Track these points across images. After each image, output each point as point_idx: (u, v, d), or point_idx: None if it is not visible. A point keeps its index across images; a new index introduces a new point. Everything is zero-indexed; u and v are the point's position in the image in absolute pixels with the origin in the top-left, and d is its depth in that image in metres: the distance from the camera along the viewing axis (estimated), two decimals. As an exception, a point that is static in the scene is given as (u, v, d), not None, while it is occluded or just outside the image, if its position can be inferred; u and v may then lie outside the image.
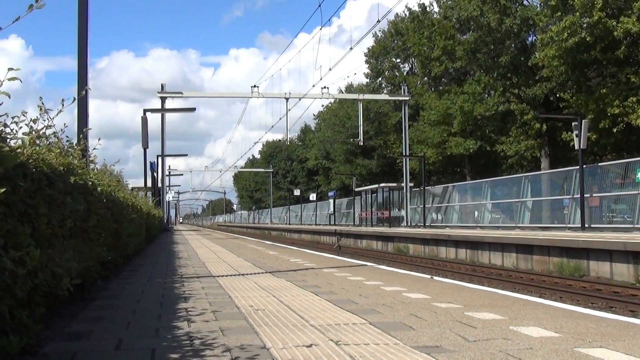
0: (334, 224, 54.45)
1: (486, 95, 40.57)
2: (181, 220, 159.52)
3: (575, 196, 24.33)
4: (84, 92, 8.89)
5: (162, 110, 37.10)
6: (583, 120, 23.91)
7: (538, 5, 36.30)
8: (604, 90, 30.43)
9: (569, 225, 24.59)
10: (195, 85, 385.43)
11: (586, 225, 22.70)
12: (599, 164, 26.23)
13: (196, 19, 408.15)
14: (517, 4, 39.48)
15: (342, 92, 60.11)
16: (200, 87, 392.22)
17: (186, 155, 53.75)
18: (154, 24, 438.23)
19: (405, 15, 51.06)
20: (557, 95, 34.96)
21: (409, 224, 40.47)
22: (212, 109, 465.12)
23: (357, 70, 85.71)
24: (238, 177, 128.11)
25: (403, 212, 41.92)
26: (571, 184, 25.17)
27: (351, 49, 30.61)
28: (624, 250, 14.88)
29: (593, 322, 4.72)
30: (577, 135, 23.60)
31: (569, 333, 4.19)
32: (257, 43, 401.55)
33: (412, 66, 55.17)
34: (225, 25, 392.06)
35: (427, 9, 47.05)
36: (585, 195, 22.97)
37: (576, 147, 23.78)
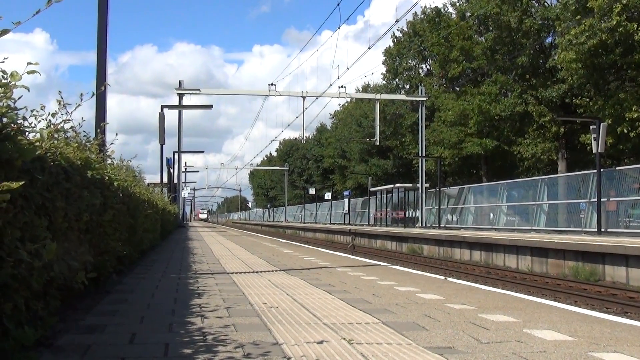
0: (349, 224, 54.42)
1: (503, 97, 40.30)
2: (205, 216, 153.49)
3: (592, 200, 24.13)
4: (102, 88, 8.93)
5: (180, 106, 37.34)
6: (601, 124, 23.70)
7: (558, 8, 35.94)
8: (623, 95, 30.12)
9: (585, 229, 24.40)
10: (219, 81, 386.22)
11: (603, 230, 22.50)
12: (617, 168, 25.97)
13: (222, 15, 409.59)
14: (538, 4, 39.15)
15: (360, 92, 60.00)
16: (224, 83, 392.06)
17: (202, 152, 54.19)
18: (179, 18, 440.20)
19: (423, 15, 50.94)
20: (575, 98, 34.59)
21: (423, 224, 40.36)
22: (233, 106, 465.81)
23: (376, 69, 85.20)
24: (254, 175, 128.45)
25: (418, 213, 41.80)
26: (588, 187, 24.95)
27: (369, 48, 30.50)
28: (640, 256, 14.76)
29: (608, 326, 4.69)
30: (594, 139, 23.40)
31: (583, 337, 4.16)
32: (283, 39, 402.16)
33: (429, 67, 54.96)
34: (251, 21, 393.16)
35: (442, 10, 46.91)
36: (602, 200, 22.78)
37: (594, 150, 23.59)
